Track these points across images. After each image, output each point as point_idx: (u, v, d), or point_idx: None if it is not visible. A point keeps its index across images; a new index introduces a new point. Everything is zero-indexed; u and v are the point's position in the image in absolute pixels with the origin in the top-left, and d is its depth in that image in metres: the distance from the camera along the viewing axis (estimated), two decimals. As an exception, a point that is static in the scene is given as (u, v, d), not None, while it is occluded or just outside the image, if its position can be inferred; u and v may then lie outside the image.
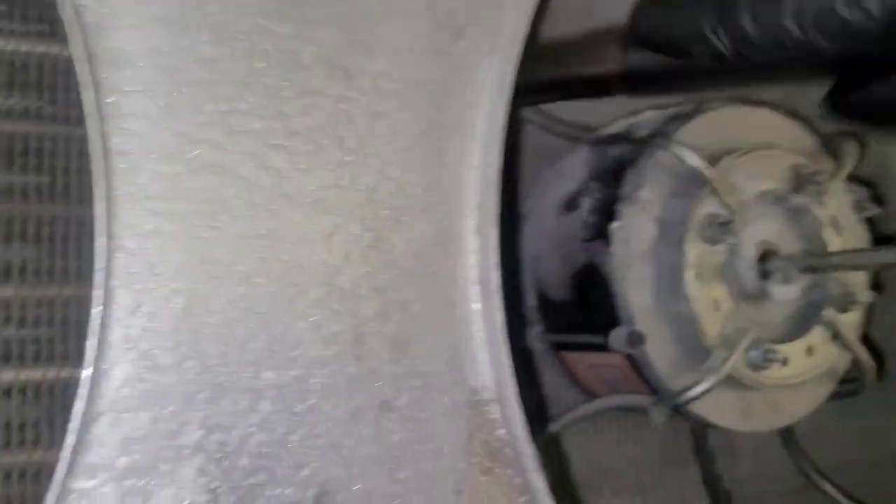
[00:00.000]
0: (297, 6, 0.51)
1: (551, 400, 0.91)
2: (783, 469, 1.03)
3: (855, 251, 0.77)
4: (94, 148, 0.46)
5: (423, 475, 0.52)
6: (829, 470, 1.01)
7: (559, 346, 0.87)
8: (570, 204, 0.84)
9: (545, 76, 0.81)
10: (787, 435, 0.98)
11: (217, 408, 0.48)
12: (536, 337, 0.88)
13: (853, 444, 1.08)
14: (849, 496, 0.96)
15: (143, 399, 0.46)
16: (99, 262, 0.46)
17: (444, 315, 0.53)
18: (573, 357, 0.86)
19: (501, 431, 0.54)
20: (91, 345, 0.45)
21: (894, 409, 1.10)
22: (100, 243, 0.46)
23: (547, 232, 0.87)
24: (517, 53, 0.56)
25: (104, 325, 0.46)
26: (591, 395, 0.89)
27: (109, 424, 0.46)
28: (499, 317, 0.54)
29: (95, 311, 0.46)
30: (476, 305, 0.54)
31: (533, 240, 0.89)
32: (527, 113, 0.84)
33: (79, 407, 0.45)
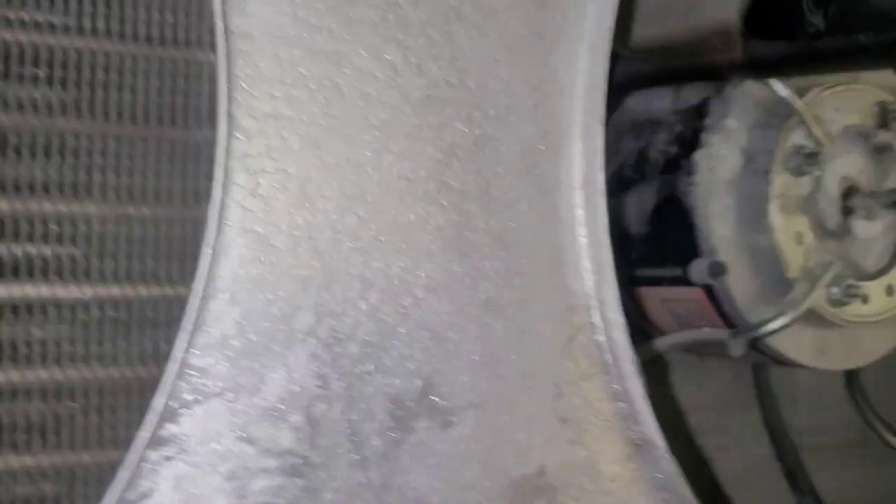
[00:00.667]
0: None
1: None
2: (844, 419, 1.02)
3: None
4: (218, 28, 0.46)
5: (524, 374, 0.52)
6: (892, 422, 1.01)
7: (632, 281, 0.86)
8: (651, 134, 0.84)
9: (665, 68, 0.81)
10: (852, 381, 0.97)
11: (328, 295, 0.48)
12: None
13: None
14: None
15: (258, 281, 0.47)
16: (220, 142, 0.46)
17: (548, 216, 0.53)
18: (647, 292, 0.85)
19: (601, 337, 0.54)
20: (212, 223, 0.46)
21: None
22: (221, 125, 0.46)
23: (625, 162, 0.86)
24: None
25: (224, 206, 0.46)
26: (661, 333, 0.89)
27: (226, 303, 0.46)
28: (602, 221, 0.53)
29: (215, 192, 0.46)
30: (580, 210, 0.53)
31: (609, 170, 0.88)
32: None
33: (198, 284, 0.46)
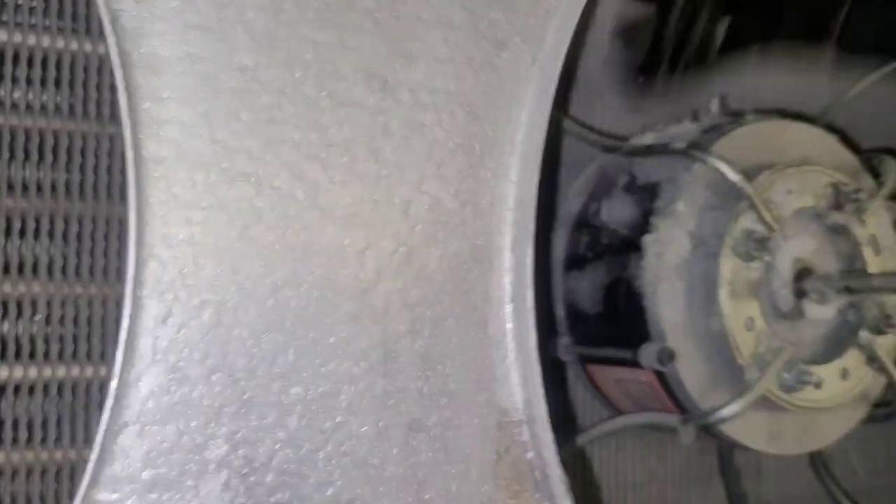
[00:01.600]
0: (338, 13, 0.50)
1: (577, 413, 0.90)
2: (810, 491, 1.01)
3: (889, 274, 0.75)
4: (128, 155, 0.45)
5: (450, 496, 0.51)
6: (856, 494, 1.00)
7: (587, 359, 0.86)
8: (598, 216, 0.83)
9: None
10: (815, 456, 0.96)
11: (243, 423, 0.47)
12: (564, 349, 0.87)
13: (883, 467, 1.06)
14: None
15: (169, 411, 0.46)
16: (129, 272, 0.45)
17: (476, 334, 0.52)
18: (600, 371, 0.84)
19: (531, 454, 0.53)
20: (119, 355, 0.44)
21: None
22: (131, 252, 0.45)
23: (578, 243, 0.85)
24: (559, 66, 0.54)
25: (132, 335, 0.45)
26: (616, 409, 0.88)
27: (135, 436, 0.45)
28: (531, 337, 0.52)
29: (124, 321, 0.45)
30: (509, 325, 0.52)
31: (564, 249, 0.87)
32: (568, 125, 0.83)
33: (104, 417, 0.44)
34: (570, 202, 0.89)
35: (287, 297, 0.48)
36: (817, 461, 0.96)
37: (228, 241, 0.47)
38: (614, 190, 0.83)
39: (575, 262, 0.85)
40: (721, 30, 0.85)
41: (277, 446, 0.48)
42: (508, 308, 0.52)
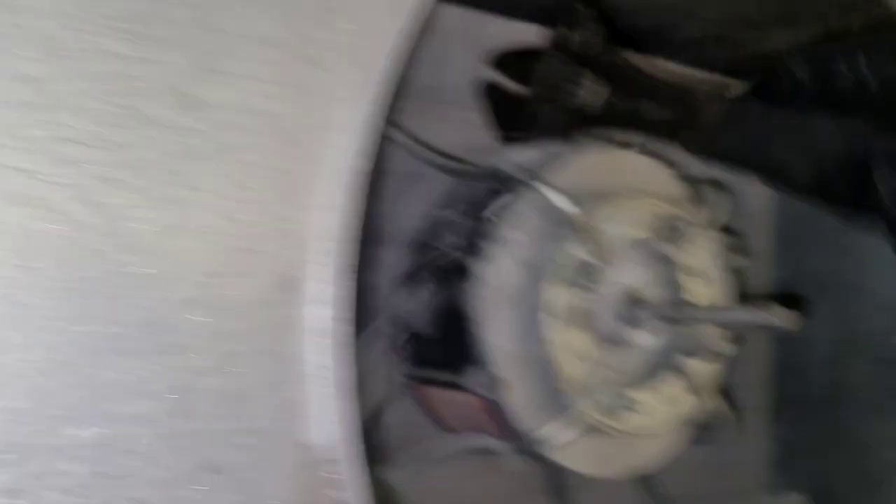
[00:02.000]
0: (142, 24, 0.46)
1: (412, 434, 0.88)
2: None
3: (712, 307, 0.78)
4: None
5: (253, 541, 0.49)
6: (686, 500, 1.04)
7: (422, 381, 0.85)
8: (437, 237, 0.82)
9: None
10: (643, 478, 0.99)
11: (18, 469, 0.43)
12: (399, 369, 0.86)
13: (710, 475, 1.11)
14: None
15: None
16: None
17: (286, 369, 0.50)
18: (435, 393, 0.84)
19: (342, 495, 0.51)
20: None
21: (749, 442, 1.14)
22: None
23: (414, 263, 0.84)
24: (387, 88, 0.53)
25: None
26: (451, 430, 0.87)
27: None
28: (346, 373, 0.50)
29: None
30: (322, 359, 0.50)
31: (400, 268, 0.86)
32: (400, 139, 0.82)
33: None
34: (408, 220, 0.88)
35: (74, 333, 0.44)
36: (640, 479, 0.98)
37: (9, 271, 0.43)
38: (450, 211, 0.83)
39: (410, 283, 0.84)
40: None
41: (60, 497, 0.43)
42: (324, 342, 0.50)
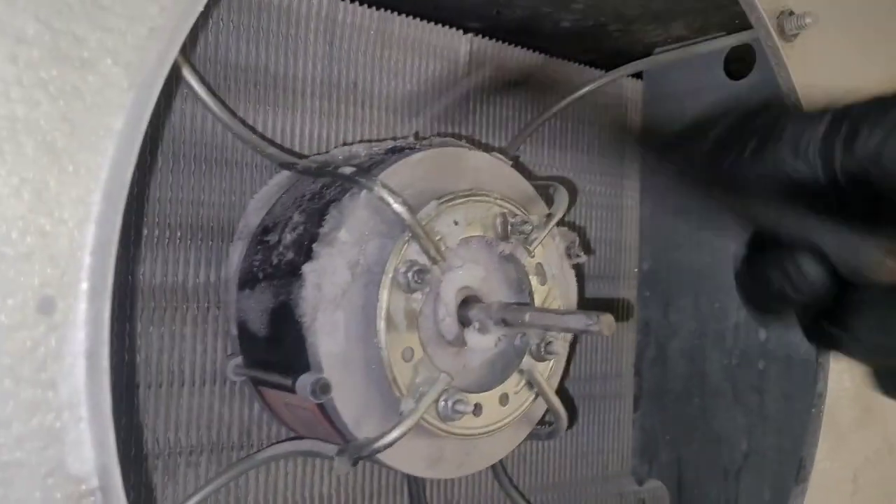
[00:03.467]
0: None
1: (257, 431, 0.86)
2: (496, 493, 1.05)
3: (547, 311, 0.78)
4: None
5: (5, 581, 0.46)
6: (543, 488, 1.05)
7: (258, 382, 0.82)
8: (272, 234, 0.79)
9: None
10: (497, 471, 0.99)
11: None
12: (234, 369, 0.83)
13: (576, 462, 1.12)
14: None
15: None
16: None
17: (40, 394, 0.46)
18: (271, 394, 0.81)
19: (106, 525, 0.48)
20: None
21: (616, 429, 1.16)
22: None
23: (249, 261, 0.81)
24: (157, 90, 0.49)
25: None
26: (293, 430, 0.85)
27: None
28: (106, 397, 0.48)
29: None
30: (82, 383, 0.47)
31: (240, 264, 0.83)
32: (238, 130, 0.78)
33: None
34: (250, 215, 0.85)
35: None
36: (500, 474, 0.99)
37: None
38: (289, 209, 0.80)
39: (248, 281, 0.81)
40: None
41: None
42: (81, 365, 0.47)
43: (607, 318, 0.68)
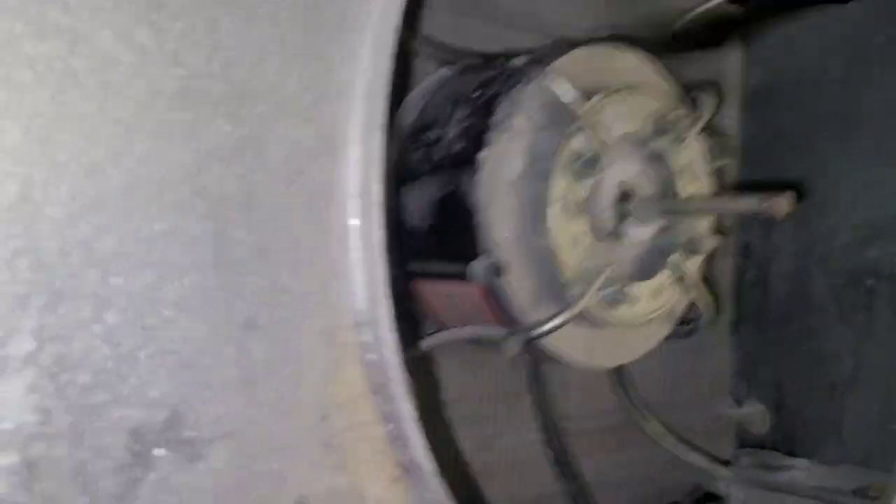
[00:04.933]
0: None
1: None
2: (609, 405, 1.07)
3: (712, 198, 0.79)
4: None
5: (286, 400, 0.48)
6: (652, 409, 1.07)
7: (416, 275, 0.84)
8: (433, 129, 0.81)
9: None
10: (619, 373, 1.01)
11: (54, 316, 0.41)
12: (394, 263, 0.85)
13: (676, 383, 1.14)
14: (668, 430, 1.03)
15: (-39, 299, 0.39)
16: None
17: (320, 228, 0.49)
18: (430, 286, 0.84)
19: (373, 356, 0.50)
20: None
21: (713, 353, 1.18)
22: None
23: (410, 156, 0.83)
24: None
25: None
26: (443, 325, 0.88)
27: (-82, 327, 0.38)
28: (378, 234, 0.50)
29: None
30: (354, 221, 0.49)
31: (398, 161, 0.85)
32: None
33: None
34: (407, 113, 0.86)
35: (108, 176, 0.43)
36: (620, 377, 1.01)
37: (38, 105, 0.40)
38: (452, 103, 0.82)
39: (408, 175, 0.83)
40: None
41: (94, 343, 0.42)
42: (354, 203, 0.49)
43: (782, 199, 0.70)
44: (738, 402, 1.22)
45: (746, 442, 1.19)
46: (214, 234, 0.46)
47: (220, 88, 0.46)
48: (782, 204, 0.70)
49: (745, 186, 1.18)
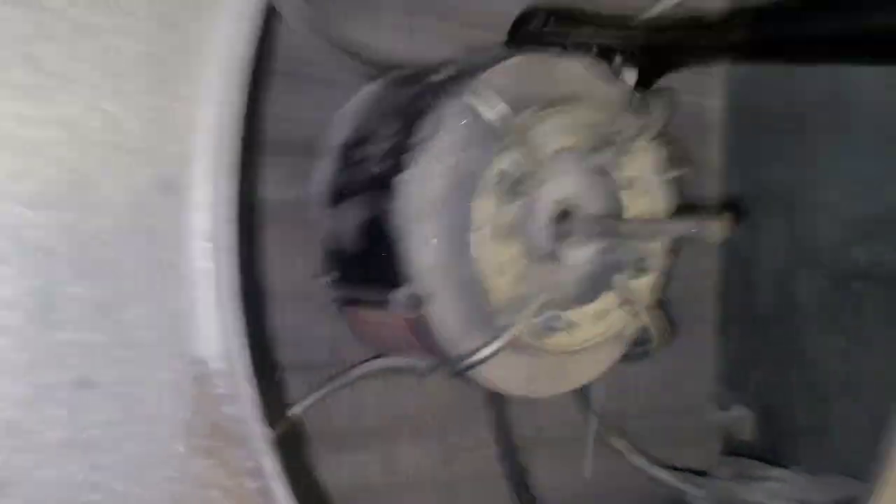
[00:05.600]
0: None
1: (339, 354, 0.86)
2: (580, 416, 1.03)
3: (642, 220, 0.75)
4: None
5: (132, 460, 0.45)
6: (634, 415, 1.03)
7: (346, 300, 0.81)
8: (360, 148, 0.78)
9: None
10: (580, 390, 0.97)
11: None
12: (325, 288, 0.82)
13: (659, 390, 1.10)
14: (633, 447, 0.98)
15: None
16: None
17: (165, 275, 0.45)
18: (361, 313, 0.80)
19: (230, 408, 0.47)
20: None
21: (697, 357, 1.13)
22: None
23: (337, 176, 0.80)
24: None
25: None
26: (377, 350, 0.85)
27: None
28: (232, 278, 0.46)
29: None
30: (204, 265, 0.46)
31: (325, 182, 0.82)
32: (319, 40, 0.76)
33: None
34: (335, 131, 0.83)
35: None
36: (579, 392, 0.97)
37: None
38: (376, 123, 0.78)
39: (337, 197, 0.79)
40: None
41: None
42: (205, 246, 0.46)
43: (716, 222, 0.65)
44: (724, 408, 1.18)
45: (732, 447, 1.14)
46: (43, 290, 0.42)
47: (46, 131, 0.43)
48: (717, 227, 0.65)
49: (732, 182, 1.13)
